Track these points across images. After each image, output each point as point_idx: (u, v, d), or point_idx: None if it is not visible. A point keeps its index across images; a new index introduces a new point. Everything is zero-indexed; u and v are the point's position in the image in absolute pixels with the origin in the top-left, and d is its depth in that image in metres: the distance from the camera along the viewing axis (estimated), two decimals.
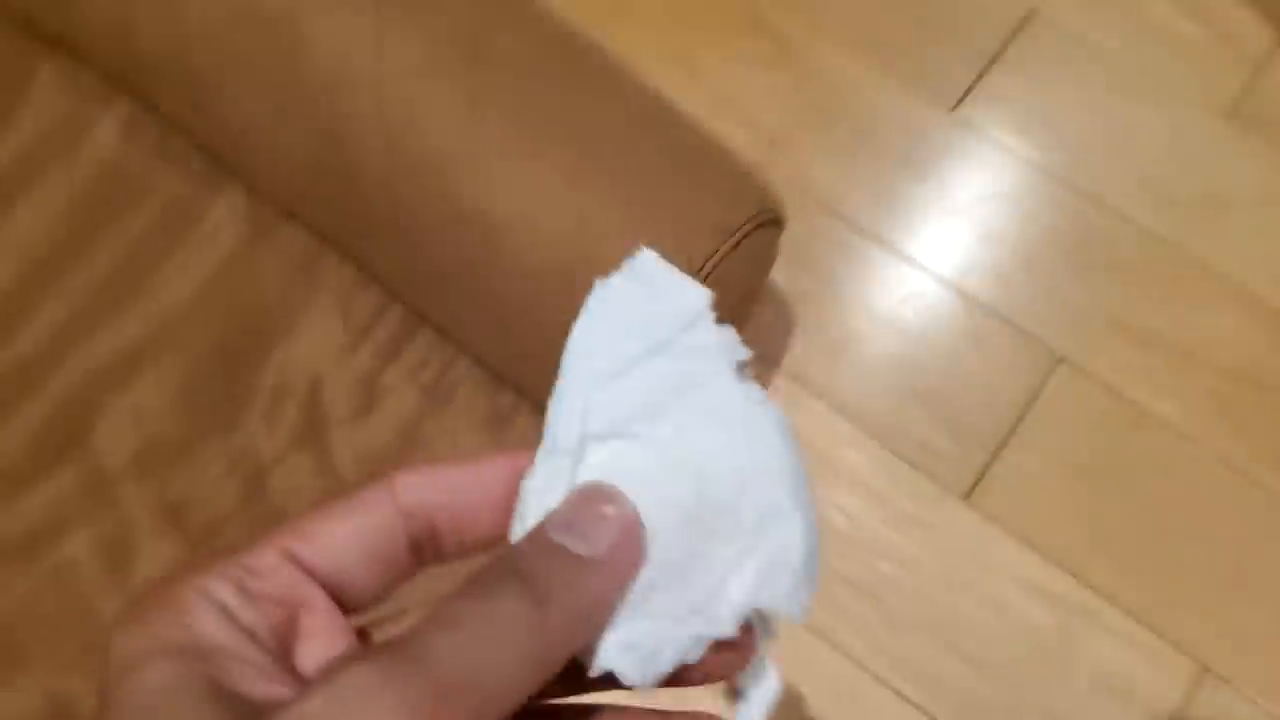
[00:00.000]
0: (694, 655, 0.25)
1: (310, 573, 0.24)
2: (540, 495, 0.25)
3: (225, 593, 0.22)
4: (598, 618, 0.24)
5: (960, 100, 0.89)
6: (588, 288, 0.26)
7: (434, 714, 0.20)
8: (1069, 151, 0.89)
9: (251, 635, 0.23)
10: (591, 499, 0.25)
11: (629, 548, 0.24)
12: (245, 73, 0.61)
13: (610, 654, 0.24)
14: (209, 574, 0.23)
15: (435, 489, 0.25)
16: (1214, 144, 0.90)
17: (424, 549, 0.26)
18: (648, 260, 0.26)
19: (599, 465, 0.25)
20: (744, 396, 0.26)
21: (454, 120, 0.58)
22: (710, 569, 0.25)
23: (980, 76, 0.90)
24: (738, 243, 0.55)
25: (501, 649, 0.21)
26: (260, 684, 0.22)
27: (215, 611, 0.22)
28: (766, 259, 0.61)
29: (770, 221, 0.58)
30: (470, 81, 0.60)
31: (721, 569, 0.25)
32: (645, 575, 0.24)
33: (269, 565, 0.23)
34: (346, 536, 0.24)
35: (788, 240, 0.58)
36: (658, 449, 0.25)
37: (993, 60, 0.91)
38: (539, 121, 0.59)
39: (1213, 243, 0.85)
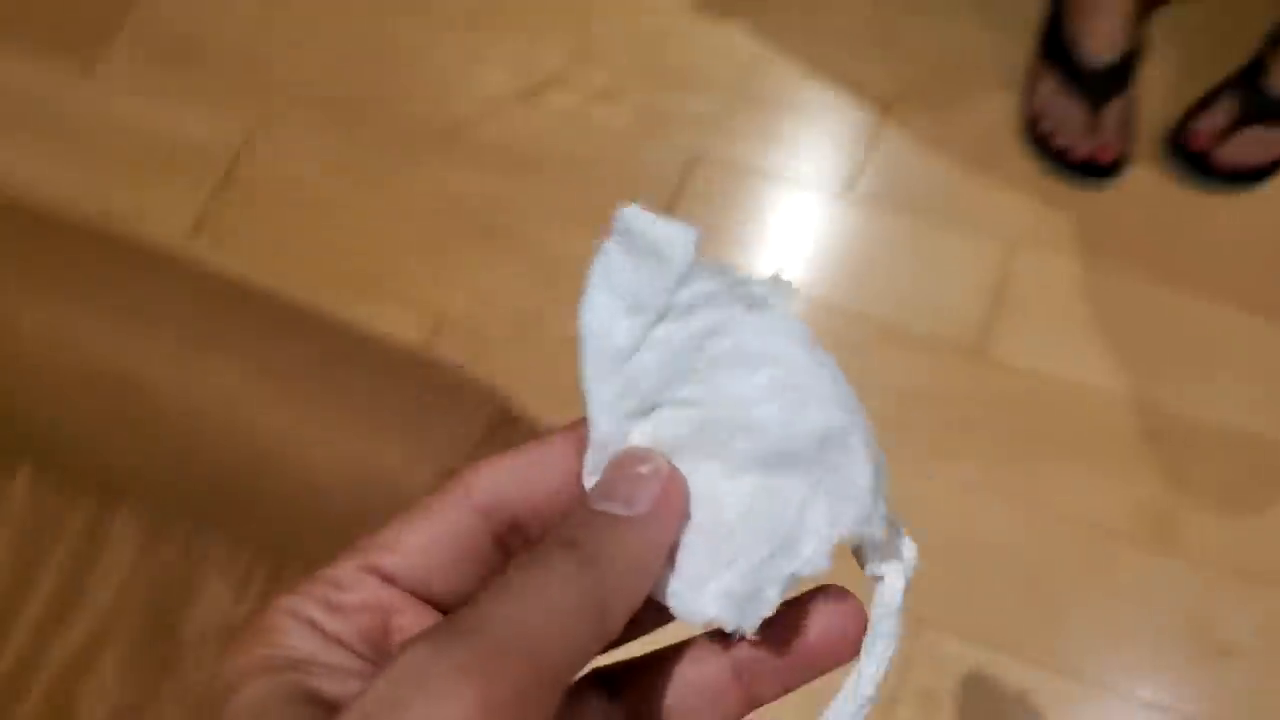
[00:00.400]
0: (789, 593, 0.25)
1: (393, 581, 0.25)
2: (589, 483, 0.26)
3: (311, 609, 0.24)
4: (648, 570, 0.24)
5: None
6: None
7: (489, 676, 0.21)
8: (729, 260, 1.15)
9: (339, 643, 0.24)
10: (625, 464, 0.25)
11: (669, 499, 0.25)
12: (110, 421, 0.84)
13: (708, 604, 0.25)
14: (295, 595, 0.24)
15: (506, 482, 0.26)
16: (839, 218, 1.17)
17: (509, 540, 0.26)
18: (630, 217, 0.26)
19: (643, 441, 0.26)
20: (762, 329, 0.25)
21: (269, 417, 0.82)
22: (785, 505, 0.25)
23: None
24: (478, 445, 0.79)
25: (551, 609, 0.22)
26: (352, 684, 0.23)
27: (303, 626, 0.23)
28: (514, 444, 0.86)
29: (503, 421, 0.82)
30: (272, 381, 0.84)
31: (796, 503, 0.25)
32: (720, 525, 0.25)
33: (351, 579, 0.24)
34: (426, 544, 0.25)
35: (545, 407, 0.81)
36: (696, 407, 0.26)
37: (672, 201, 1.17)
38: (324, 397, 0.83)
39: (860, 295, 1.12)
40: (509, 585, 0.22)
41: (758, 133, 1.21)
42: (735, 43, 1.25)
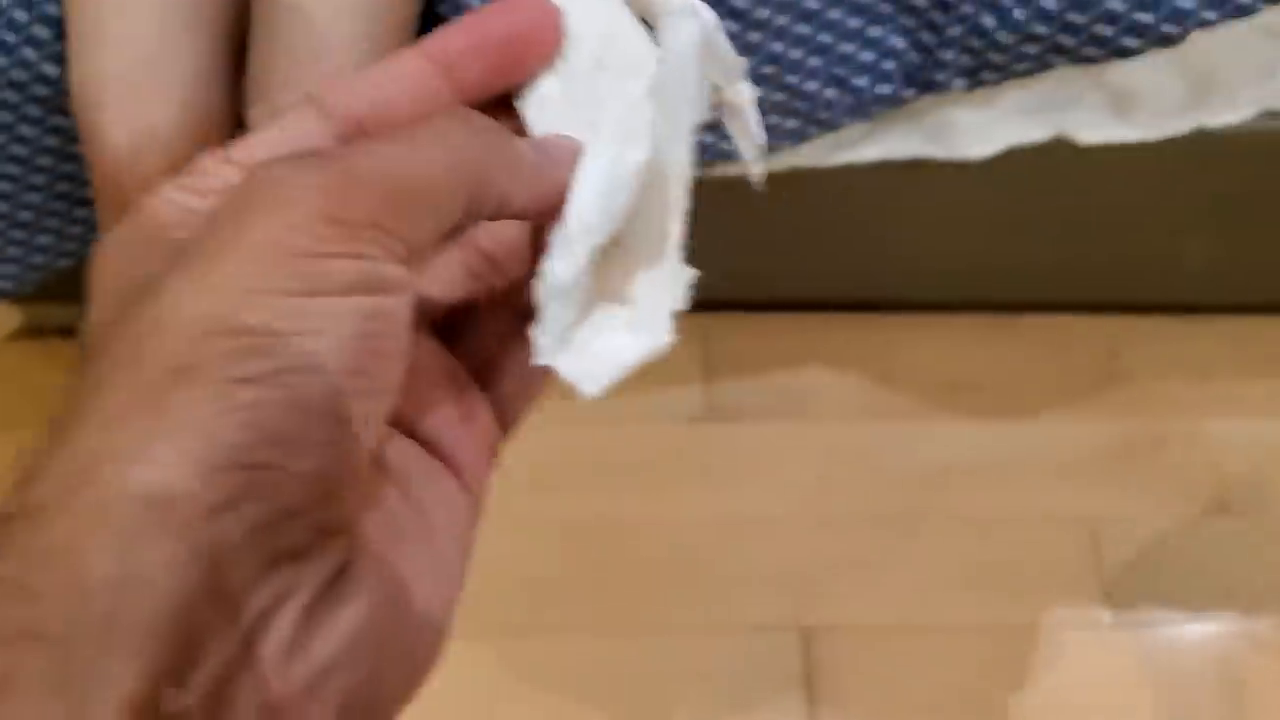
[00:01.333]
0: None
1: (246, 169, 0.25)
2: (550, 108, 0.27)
3: (179, 195, 0.24)
4: (531, 163, 0.25)
5: None
6: None
7: (340, 194, 0.21)
8: None
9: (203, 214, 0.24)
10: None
11: (568, 151, 0.25)
12: None
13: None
14: (165, 185, 0.25)
15: (359, 94, 0.26)
16: None
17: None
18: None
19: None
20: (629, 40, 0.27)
21: None
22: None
23: None
24: None
25: (421, 153, 0.22)
26: None
27: (169, 205, 0.24)
28: None
29: None
30: None
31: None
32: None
33: (211, 167, 0.25)
34: (275, 141, 0.25)
35: None
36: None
37: None
38: None
39: None
40: (388, 134, 0.23)
41: None
42: None
